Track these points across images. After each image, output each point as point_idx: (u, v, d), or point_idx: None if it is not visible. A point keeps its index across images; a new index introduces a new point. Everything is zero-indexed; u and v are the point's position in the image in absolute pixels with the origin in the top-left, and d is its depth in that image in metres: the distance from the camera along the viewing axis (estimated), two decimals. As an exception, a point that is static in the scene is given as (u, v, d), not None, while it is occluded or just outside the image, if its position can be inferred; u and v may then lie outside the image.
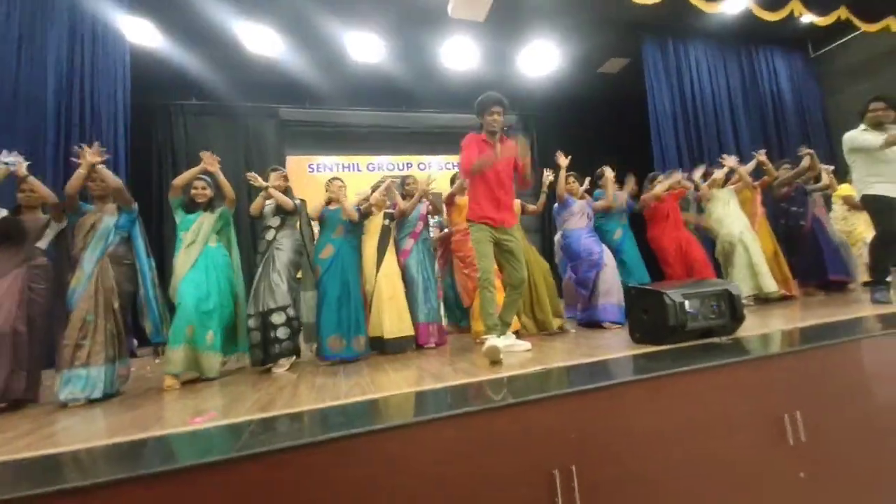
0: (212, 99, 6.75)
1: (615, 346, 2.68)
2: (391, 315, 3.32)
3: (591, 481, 1.52)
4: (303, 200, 3.47)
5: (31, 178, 2.67)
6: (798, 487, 1.81)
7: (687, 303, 2.40)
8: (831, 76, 7.69)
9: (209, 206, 3.12)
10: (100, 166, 2.70)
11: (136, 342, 3.79)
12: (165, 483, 1.19)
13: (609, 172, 4.07)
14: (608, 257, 3.75)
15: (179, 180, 3.06)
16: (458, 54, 6.56)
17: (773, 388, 1.90)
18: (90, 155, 2.67)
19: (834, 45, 7.52)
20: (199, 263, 2.94)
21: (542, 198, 4.08)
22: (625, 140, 8.07)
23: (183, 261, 2.94)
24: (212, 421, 1.71)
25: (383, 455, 1.38)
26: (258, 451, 1.28)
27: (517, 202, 3.73)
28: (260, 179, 3.29)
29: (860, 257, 4.54)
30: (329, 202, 3.44)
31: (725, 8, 6.00)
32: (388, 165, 8.09)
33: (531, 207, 4.13)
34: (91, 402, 2.43)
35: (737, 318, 2.51)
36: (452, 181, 3.98)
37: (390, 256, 3.54)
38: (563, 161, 3.84)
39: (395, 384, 2.23)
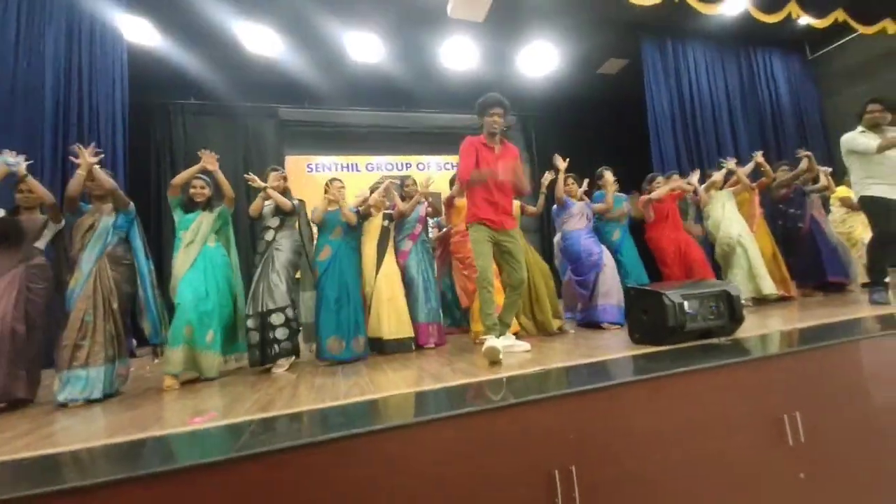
0: (211, 98, 6.74)
1: (614, 346, 2.68)
2: (390, 316, 3.32)
3: (590, 481, 1.52)
4: (301, 201, 3.46)
5: (30, 178, 2.66)
6: (797, 488, 1.81)
7: (686, 303, 2.41)
8: (829, 78, 7.72)
9: (208, 205, 3.12)
10: (94, 168, 2.69)
11: (135, 342, 3.77)
12: (165, 483, 1.19)
13: (609, 175, 4.07)
14: (608, 258, 3.75)
15: (178, 179, 3.06)
16: (458, 54, 6.56)
17: (773, 389, 1.90)
18: (88, 156, 2.66)
19: (831, 46, 7.55)
20: (197, 263, 2.94)
21: (541, 199, 4.09)
22: (623, 141, 8.09)
23: (182, 260, 2.94)
24: (212, 421, 1.71)
25: (383, 455, 1.38)
26: (258, 451, 1.28)
27: (516, 204, 3.73)
28: (259, 180, 3.29)
29: (859, 259, 4.55)
30: (329, 204, 3.43)
31: (724, 9, 6.02)
32: (387, 165, 8.08)
33: (530, 209, 4.14)
34: (90, 401, 2.42)
35: (736, 318, 2.52)
36: (452, 182, 3.98)
37: (390, 257, 3.54)
38: (562, 164, 3.84)
39: (394, 384, 2.23)
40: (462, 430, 1.46)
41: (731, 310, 2.50)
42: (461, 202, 3.61)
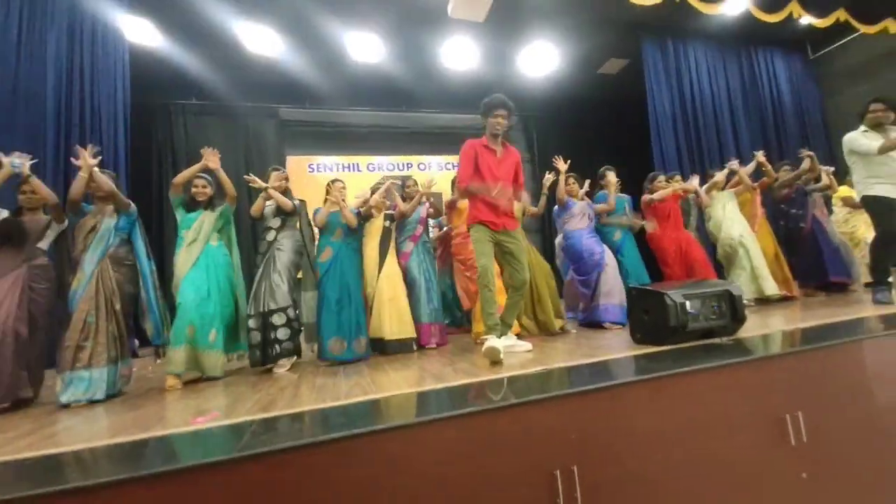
0: (212, 99, 6.75)
1: (616, 346, 2.68)
2: (392, 316, 3.32)
3: (592, 481, 1.52)
4: (302, 201, 3.47)
5: (33, 179, 2.67)
6: (799, 488, 1.81)
7: (688, 303, 2.40)
8: (830, 77, 7.71)
9: (210, 204, 3.12)
10: (94, 170, 2.69)
11: (137, 342, 3.78)
12: (167, 483, 1.19)
13: (612, 176, 4.07)
14: (609, 258, 3.75)
15: (180, 178, 3.06)
16: (458, 54, 6.56)
17: (775, 389, 1.90)
18: (89, 158, 2.65)
19: (833, 46, 7.54)
20: (200, 262, 2.94)
21: (543, 200, 4.09)
22: (624, 141, 8.09)
23: (184, 259, 2.94)
24: (214, 421, 1.71)
25: (384, 455, 1.38)
26: (260, 451, 1.28)
27: (517, 205, 3.73)
28: (259, 181, 3.29)
29: (863, 259, 4.54)
30: (331, 206, 3.43)
31: (725, 9, 6.01)
32: (387, 165, 8.09)
33: (531, 209, 4.13)
34: (93, 402, 2.43)
35: (738, 318, 2.51)
36: (453, 183, 3.98)
37: (391, 258, 3.54)
38: (562, 166, 3.85)
39: (395, 384, 2.23)
40: (464, 430, 1.46)
41: (732, 309, 2.50)
42: (463, 204, 3.60)
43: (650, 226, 4.23)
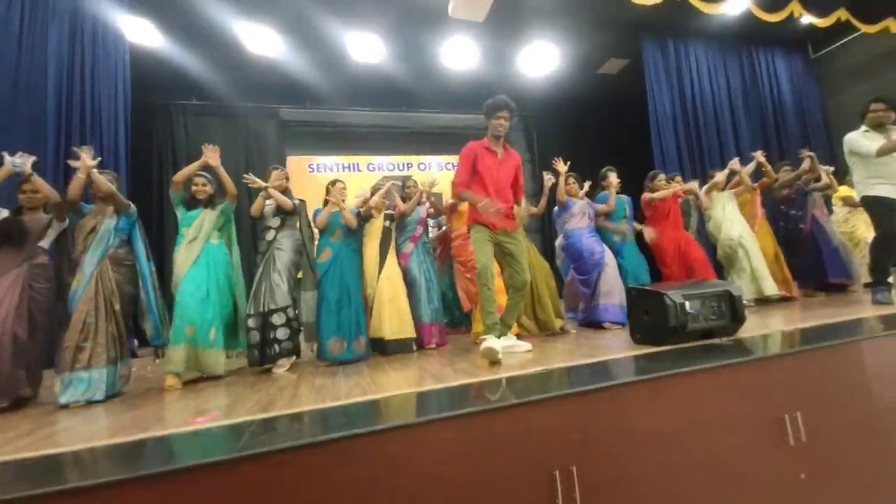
0: (212, 99, 6.76)
1: (616, 346, 2.68)
2: (392, 316, 3.32)
3: (591, 482, 1.52)
4: (302, 201, 3.47)
5: (35, 177, 2.67)
6: (798, 488, 1.81)
7: (688, 304, 2.40)
8: (831, 77, 7.70)
9: (210, 202, 3.12)
10: (93, 172, 2.68)
11: (136, 342, 3.79)
12: (166, 483, 1.19)
13: (613, 177, 4.07)
14: (609, 257, 3.75)
15: (180, 176, 3.05)
16: (458, 54, 6.56)
17: (774, 389, 1.90)
18: (87, 160, 2.65)
19: (834, 46, 7.53)
20: (200, 260, 2.94)
21: (543, 200, 4.09)
22: (625, 141, 8.09)
23: (184, 257, 2.93)
24: (213, 421, 1.71)
25: (384, 455, 1.38)
26: (259, 451, 1.28)
27: (520, 210, 3.73)
28: (258, 180, 3.29)
29: (863, 258, 4.54)
30: (331, 207, 3.43)
31: (726, 9, 6.00)
32: (388, 165, 8.09)
33: (532, 209, 4.13)
34: (92, 402, 2.42)
35: (737, 319, 2.51)
36: (454, 185, 3.98)
37: (391, 258, 3.54)
38: (562, 167, 3.86)
39: (395, 385, 2.23)
40: (463, 431, 1.46)
41: (732, 310, 2.50)
42: (463, 206, 3.61)
43: (649, 235, 4.22)
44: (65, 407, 2.38)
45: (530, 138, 8.75)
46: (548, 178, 4.00)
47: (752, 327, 2.73)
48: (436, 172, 7.91)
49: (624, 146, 7.90)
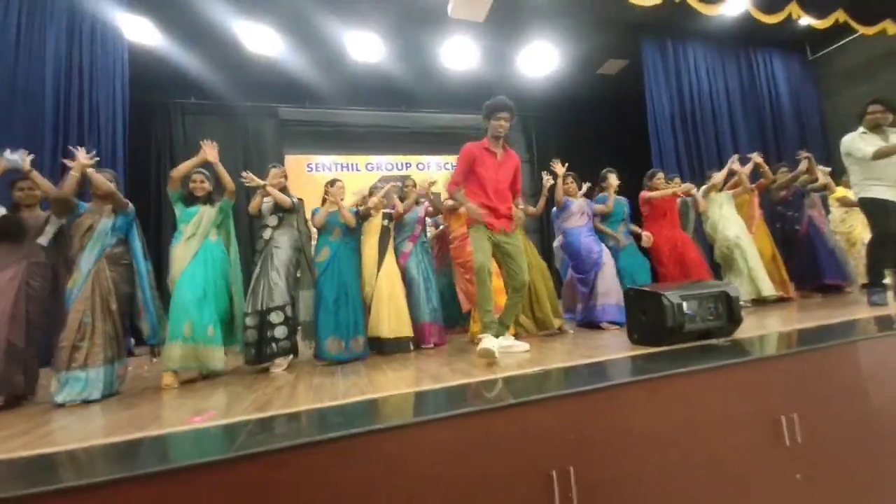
0: (211, 98, 6.74)
1: (614, 347, 2.69)
2: (390, 314, 3.32)
3: (588, 482, 1.52)
4: (300, 199, 3.46)
5: (35, 174, 2.66)
6: (794, 489, 1.81)
7: (685, 304, 2.41)
8: (829, 78, 7.72)
9: (208, 199, 3.11)
10: (90, 171, 2.67)
11: (133, 341, 3.77)
12: (163, 483, 1.19)
13: (613, 179, 4.07)
14: (607, 257, 3.76)
15: (178, 171, 3.03)
16: (458, 54, 6.56)
17: (770, 390, 1.90)
18: (83, 158, 2.64)
19: (831, 47, 7.55)
20: (198, 257, 2.92)
21: (542, 201, 4.10)
22: (623, 141, 8.09)
23: (182, 253, 2.92)
24: (211, 420, 1.71)
25: (381, 455, 1.38)
26: (256, 451, 1.27)
27: (517, 212, 3.74)
28: (257, 179, 3.28)
29: (860, 258, 4.56)
30: (330, 206, 3.43)
31: (724, 10, 6.02)
32: (386, 165, 8.08)
33: (530, 209, 4.14)
34: (88, 401, 2.42)
35: (734, 319, 2.52)
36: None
37: (390, 256, 3.54)
38: (560, 169, 3.87)
39: (393, 385, 2.23)
40: (460, 431, 1.46)
41: (729, 311, 2.51)
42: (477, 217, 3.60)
43: (646, 241, 4.22)
44: (61, 406, 2.37)
45: (529, 138, 8.76)
46: (547, 179, 4.01)
47: (748, 328, 2.74)
48: (435, 172, 7.91)
49: (623, 146, 7.91)
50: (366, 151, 7.97)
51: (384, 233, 3.60)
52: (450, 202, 3.76)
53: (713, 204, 4.58)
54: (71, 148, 2.71)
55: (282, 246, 3.23)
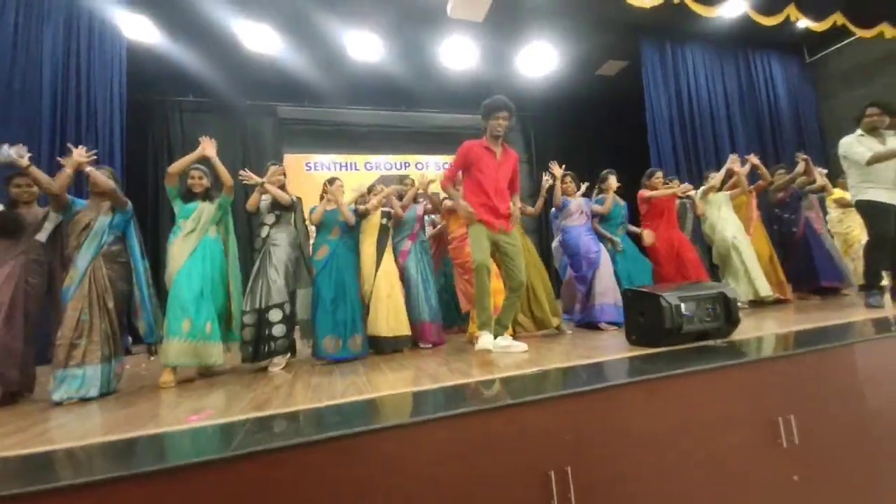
0: (209, 96, 6.73)
1: (612, 347, 2.69)
2: (388, 313, 3.32)
3: (586, 482, 1.52)
4: (299, 198, 3.45)
5: (33, 169, 2.64)
6: (791, 490, 1.82)
7: (683, 305, 2.41)
8: (826, 81, 7.76)
9: (207, 195, 3.09)
10: (90, 169, 2.66)
11: (130, 339, 3.76)
12: (160, 482, 1.19)
13: (613, 181, 4.08)
14: (605, 258, 3.77)
15: (175, 167, 3.00)
16: (457, 54, 6.57)
17: (767, 391, 1.91)
18: (77, 156, 2.62)
19: (829, 50, 7.58)
20: (196, 253, 2.90)
21: (540, 201, 4.10)
22: (622, 141, 8.11)
23: (180, 248, 2.90)
24: (208, 419, 1.71)
25: (379, 455, 1.37)
26: (254, 450, 1.27)
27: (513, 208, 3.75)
28: (255, 177, 3.27)
29: (858, 259, 4.59)
30: (327, 204, 3.43)
31: (723, 12, 6.04)
32: (385, 165, 8.08)
33: (529, 209, 4.14)
34: (85, 399, 2.41)
35: (732, 321, 2.53)
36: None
37: (388, 255, 3.54)
38: (558, 171, 3.88)
39: (391, 384, 2.23)
40: (458, 431, 1.46)
41: (727, 312, 2.51)
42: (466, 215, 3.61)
43: (647, 240, 4.22)
44: (59, 404, 2.36)
45: (528, 138, 8.77)
46: (546, 180, 4.02)
47: (746, 329, 2.75)
48: (434, 172, 7.91)
49: (622, 147, 7.93)
50: (365, 151, 7.97)
51: (383, 232, 3.59)
52: (449, 202, 3.77)
53: (712, 205, 4.59)
54: (70, 146, 2.70)
55: (280, 244, 3.22)
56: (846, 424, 1.98)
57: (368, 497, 1.34)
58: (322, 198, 3.49)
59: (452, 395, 1.84)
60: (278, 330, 3.03)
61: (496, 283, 3.09)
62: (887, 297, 3.38)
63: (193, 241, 2.93)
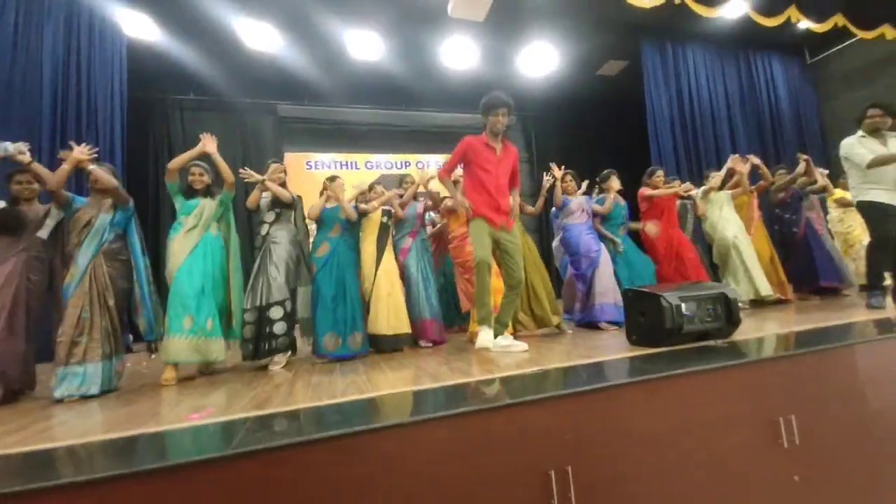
0: (210, 94, 6.72)
1: (612, 347, 2.69)
2: (389, 311, 3.33)
3: (586, 482, 1.52)
4: (299, 196, 3.45)
5: (36, 165, 2.64)
6: (792, 490, 1.82)
7: (683, 306, 2.41)
8: (827, 82, 7.76)
9: (208, 192, 3.09)
10: (92, 167, 2.65)
11: (131, 337, 3.76)
12: (161, 480, 1.18)
13: (615, 183, 4.07)
14: (605, 257, 3.77)
15: (175, 163, 2.99)
16: (458, 54, 6.57)
17: (768, 392, 1.91)
18: (77, 153, 2.61)
19: (830, 51, 7.58)
20: (197, 250, 2.90)
21: (541, 201, 4.10)
22: (622, 142, 8.12)
23: (181, 244, 2.89)
24: (209, 417, 1.71)
25: (379, 454, 1.37)
26: (254, 448, 1.27)
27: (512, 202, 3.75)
28: (255, 174, 3.27)
29: (859, 259, 4.59)
30: (327, 200, 3.43)
31: (724, 13, 6.04)
32: (386, 164, 8.07)
33: (529, 209, 4.14)
34: (86, 397, 2.41)
35: (732, 321, 2.53)
36: (455, 183, 3.98)
37: (388, 253, 3.55)
38: (558, 173, 3.88)
39: (391, 383, 2.23)
40: (459, 430, 1.46)
41: (728, 312, 2.51)
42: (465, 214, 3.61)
43: (651, 230, 4.22)
44: (60, 402, 2.36)
45: (529, 138, 8.77)
46: (547, 180, 4.02)
47: (746, 330, 2.74)
48: (434, 170, 7.89)
49: (622, 147, 7.93)
50: (365, 150, 7.97)
51: (383, 230, 3.59)
52: (449, 202, 3.77)
53: (713, 205, 4.59)
54: (72, 143, 2.69)
55: (280, 241, 3.21)
56: (847, 425, 1.98)
57: (368, 496, 1.34)
58: (322, 194, 3.48)
59: (453, 394, 1.84)
60: (279, 328, 3.02)
61: (496, 282, 3.10)
62: (889, 297, 3.38)
63: (195, 238, 2.92)
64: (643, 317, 2.55)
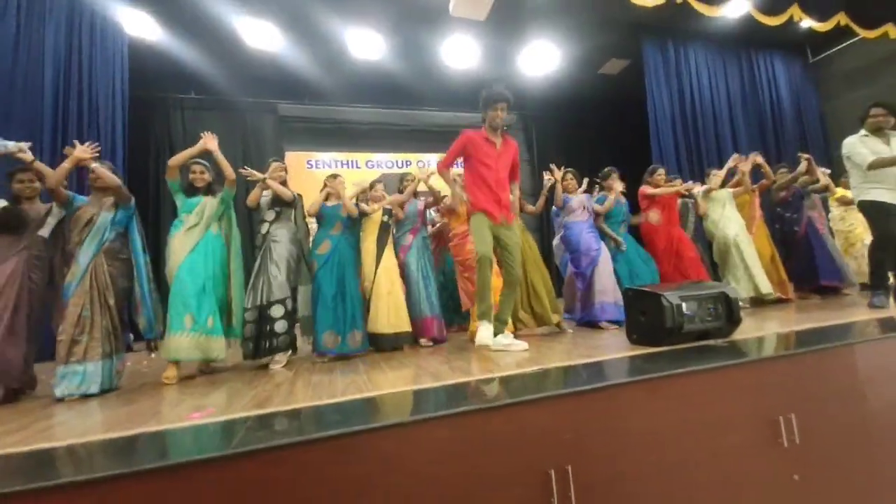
0: (210, 93, 6.73)
1: (613, 346, 2.69)
2: (389, 309, 3.33)
3: (586, 481, 1.52)
4: (299, 195, 3.45)
5: (38, 163, 2.64)
6: (791, 489, 1.82)
7: (684, 305, 2.41)
8: (829, 81, 7.74)
9: (209, 190, 3.09)
10: (95, 165, 2.66)
11: (132, 336, 3.77)
12: (161, 479, 1.19)
13: (618, 184, 4.06)
14: (605, 255, 3.77)
15: (175, 160, 2.99)
16: (459, 53, 6.56)
17: (768, 391, 1.91)
18: (79, 151, 2.62)
19: (832, 50, 7.56)
20: (198, 248, 2.90)
21: (541, 200, 4.10)
22: (624, 141, 8.11)
23: (182, 242, 2.89)
24: (209, 417, 1.71)
25: (379, 453, 1.37)
26: (254, 447, 1.27)
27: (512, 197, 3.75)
28: (256, 173, 3.27)
29: (861, 258, 4.58)
30: (327, 198, 3.43)
31: (726, 12, 6.02)
32: (387, 163, 8.08)
33: (529, 208, 4.14)
34: (87, 396, 2.42)
35: (733, 320, 2.53)
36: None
37: (389, 252, 3.55)
38: (558, 174, 3.89)
39: (391, 382, 2.23)
40: (459, 430, 1.46)
41: (728, 312, 2.51)
42: (462, 207, 3.61)
43: (654, 217, 4.20)
44: (60, 401, 2.36)
45: (530, 138, 8.76)
46: (548, 179, 4.02)
47: (747, 329, 2.74)
48: (434, 168, 7.91)
49: (624, 146, 7.92)
50: (366, 149, 7.97)
51: (383, 229, 3.60)
52: (449, 201, 3.77)
53: (715, 202, 4.58)
54: (75, 143, 2.70)
55: (280, 240, 3.21)
56: (847, 424, 1.97)
57: (368, 495, 1.34)
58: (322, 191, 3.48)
59: (453, 393, 1.84)
60: (280, 326, 3.03)
61: (495, 281, 3.10)
62: (891, 297, 3.37)
63: (196, 236, 2.93)
64: (643, 316, 2.55)
